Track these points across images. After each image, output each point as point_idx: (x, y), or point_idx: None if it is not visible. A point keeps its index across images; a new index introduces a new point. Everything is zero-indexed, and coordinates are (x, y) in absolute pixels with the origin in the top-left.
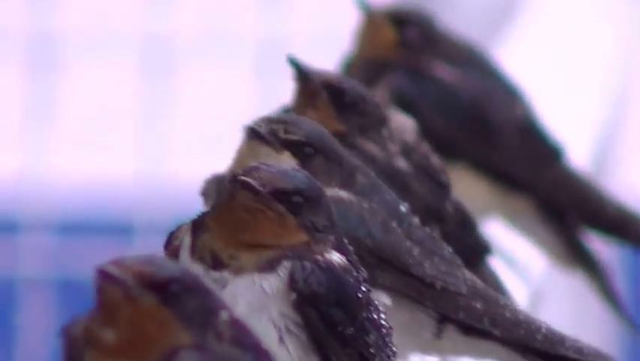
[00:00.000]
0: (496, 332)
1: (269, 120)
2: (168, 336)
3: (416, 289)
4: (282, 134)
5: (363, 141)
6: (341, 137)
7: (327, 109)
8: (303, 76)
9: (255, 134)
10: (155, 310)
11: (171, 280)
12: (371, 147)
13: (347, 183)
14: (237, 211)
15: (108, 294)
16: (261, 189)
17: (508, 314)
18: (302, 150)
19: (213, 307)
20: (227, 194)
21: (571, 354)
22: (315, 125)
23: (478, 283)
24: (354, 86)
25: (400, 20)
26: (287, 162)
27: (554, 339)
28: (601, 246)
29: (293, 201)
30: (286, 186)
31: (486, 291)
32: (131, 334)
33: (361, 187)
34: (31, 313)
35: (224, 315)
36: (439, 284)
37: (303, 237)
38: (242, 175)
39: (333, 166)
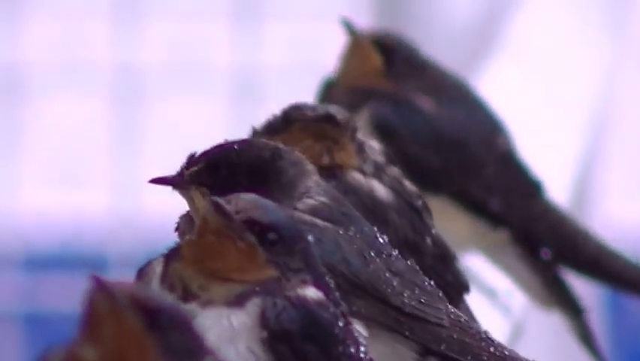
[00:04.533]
0: None
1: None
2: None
3: (394, 319)
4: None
5: (347, 171)
6: (329, 169)
7: (350, 147)
8: (332, 121)
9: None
10: (138, 335)
11: (163, 310)
12: (354, 177)
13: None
14: (208, 237)
15: (96, 306)
16: (233, 215)
17: (492, 349)
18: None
19: (198, 348)
20: (201, 218)
21: None
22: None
23: (462, 316)
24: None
25: (387, 47)
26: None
27: None
28: (580, 284)
29: (266, 237)
30: (262, 219)
31: (469, 325)
32: (110, 355)
33: (332, 214)
34: (1, 349)
35: (209, 358)
36: (419, 315)
37: (272, 273)
38: (218, 201)
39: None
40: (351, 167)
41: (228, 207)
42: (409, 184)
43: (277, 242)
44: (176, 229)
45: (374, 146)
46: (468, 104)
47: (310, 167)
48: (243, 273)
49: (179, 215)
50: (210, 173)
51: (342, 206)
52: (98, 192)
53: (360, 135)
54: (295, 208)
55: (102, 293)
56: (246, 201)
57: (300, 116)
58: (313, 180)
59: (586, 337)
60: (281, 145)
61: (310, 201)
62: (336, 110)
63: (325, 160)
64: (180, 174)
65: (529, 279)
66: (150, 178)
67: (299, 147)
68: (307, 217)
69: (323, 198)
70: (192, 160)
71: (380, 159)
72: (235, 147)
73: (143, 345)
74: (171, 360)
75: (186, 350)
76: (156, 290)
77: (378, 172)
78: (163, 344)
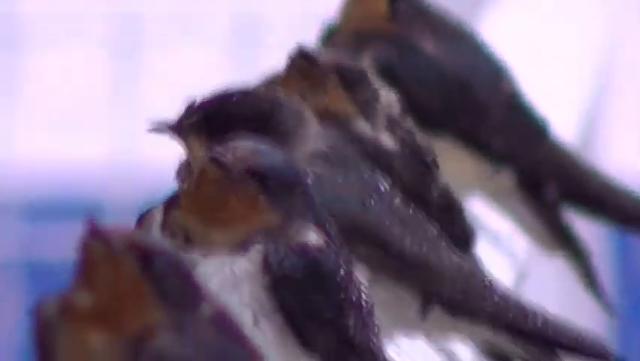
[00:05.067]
0: (484, 313)
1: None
2: (144, 312)
3: (395, 265)
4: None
5: (355, 121)
6: (338, 119)
7: (337, 91)
8: (311, 59)
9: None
10: (134, 278)
11: (158, 254)
12: (361, 127)
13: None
14: (208, 188)
15: (90, 251)
16: (233, 166)
17: (496, 296)
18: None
19: (196, 293)
20: (200, 169)
21: (563, 338)
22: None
23: (465, 263)
24: (356, 65)
25: None
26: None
27: (546, 323)
28: (585, 227)
29: (267, 183)
30: (261, 167)
31: (473, 271)
32: (106, 299)
33: (332, 160)
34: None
35: (206, 303)
36: (421, 260)
37: (275, 219)
38: (216, 151)
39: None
40: (342, 111)
41: (227, 158)
42: (421, 138)
43: (278, 187)
44: (177, 175)
45: (390, 99)
46: (471, 48)
47: (310, 115)
48: (245, 221)
49: (179, 161)
50: (209, 122)
51: (342, 153)
52: (98, 141)
53: (374, 86)
54: (294, 156)
55: (97, 238)
56: (243, 149)
57: (299, 60)
58: (313, 128)
59: (591, 281)
60: (280, 94)
61: (309, 149)
62: (334, 55)
63: (311, 102)
64: (179, 122)
65: (533, 221)
66: (149, 127)
67: (289, 84)
68: (307, 163)
69: (322, 146)
70: (191, 109)
71: (396, 111)
72: (234, 97)
73: (139, 291)
74: (169, 304)
75: (184, 294)
76: (153, 236)
77: (391, 125)
78: (160, 287)
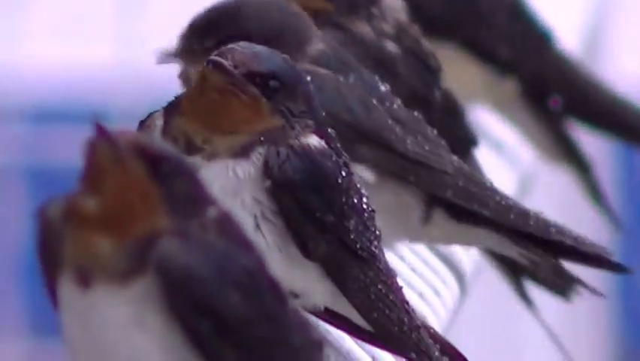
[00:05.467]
0: (486, 214)
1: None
2: (150, 216)
3: (399, 166)
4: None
5: (351, 21)
6: (326, 15)
7: None
8: None
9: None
10: (141, 182)
11: (167, 159)
12: (360, 27)
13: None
14: (210, 93)
15: (97, 154)
16: (233, 70)
17: (497, 198)
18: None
19: (202, 198)
20: (200, 75)
21: (565, 240)
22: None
23: (465, 166)
24: None
25: None
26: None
27: (547, 225)
28: (590, 140)
29: (268, 85)
30: (261, 69)
31: (473, 174)
32: (112, 203)
33: (331, 63)
34: (5, 202)
35: (212, 207)
36: (422, 160)
37: (277, 121)
38: (215, 56)
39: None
40: (320, 9)
41: (227, 63)
42: (426, 44)
43: (279, 89)
44: (180, 75)
45: (396, 5)
46: None
47: (308, 17)
48: (247, 125)
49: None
50: (211, 34)
51: (341, 55)
52: (102, 45)
53: None
54: (294, 57)
55: (104, 141)
56: (242, 53)
57: None
58: (312, 30)
59: (594, 193)
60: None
61: (309, 50)
62: None
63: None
64: (186, 49)
65: (537, 132)
66: (157, 60)
67: None
68: (307, 65)
69: (322, 47)
70: (195, 28)
71: (403, 17)
72: (238, 8)
73: (146, 194)
74: (175, 209)
75: (190, 199)
76: (159, 140)
77: (398, 31)
78: (166, 192)
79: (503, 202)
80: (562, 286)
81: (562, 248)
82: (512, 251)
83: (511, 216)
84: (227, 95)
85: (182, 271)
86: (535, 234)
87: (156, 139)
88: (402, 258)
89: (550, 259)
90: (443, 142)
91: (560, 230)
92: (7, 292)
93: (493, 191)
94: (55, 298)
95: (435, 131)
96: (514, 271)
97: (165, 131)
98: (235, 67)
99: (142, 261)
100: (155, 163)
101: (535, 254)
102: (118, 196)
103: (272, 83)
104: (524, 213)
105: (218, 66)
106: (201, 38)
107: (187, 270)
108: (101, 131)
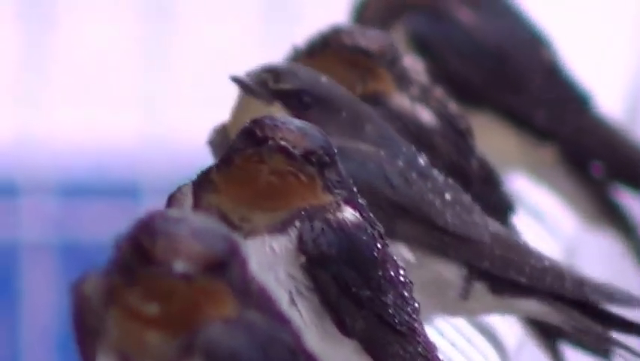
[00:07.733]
0: (523, 280)
1: (260, 70)
2: (216, 308)
3: (438, 239)
4: (271, 84)
5: (394, 96)
6: (372, 96)
7: (385, 75)
8: (365, 52)
9: (240, 85)
10: (209, 287)
11: (225, 254)
12: (396, 97)
13: (351, 133)
14: (266, 176)
15: (162, 280)
16: (295, 152)
17: (533, 261)
18: (296, 99)
19: (249, 276)
20: (253, 156)
21: (601, 299)
22: (310, 72)
23: (502, 231)
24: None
25: None
26: (278, 113)
27: (583, 284)
28: (635, 202)
29: (321, 162)
30: (314, 147)
31: (510, 238)
32: (177, 315)
33: (371, 138)
34: (34, 278)
35: (254, 283)
36: (462, 233)
37: (328, 198)
38: (270, 137)
39: (333, 115)
40: (387, 91)
41: (289, 146)
42: (453, 106)
43: (329, 164)
44: (210, 142)
45: (417, 68)
46: (508, 16)
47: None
48: (303, 202)
49: (213, 129)
50: (294, 97)
51: (383, 129)
52: (130, 115)
53: (403, 61)
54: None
55: (178, 277)
56: (290, 131)
57: (337, 42)
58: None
59: None
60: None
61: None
62: (375, 36)
63: (359, 89)
64: (263, 86)
65: (579, 198)
66: (233, 76)
67: (335, 71)
68: (350, 141)
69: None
70: (275, 76)
71: (425, 79)
72: (323, 81)
73: (214, 295)
74: (238, 294)
75: (243, 277)
76: (219, 230)
77: (424, 94)
78: (230, 282)
79: (538, 266)
80: (604, 350)
81: (601, 313)
82: (554, 317)
83: (548, 278)
84: (288, 177)
85: (227, 355)
86: (571, 296)
87: (219, 227)
88: (441, 333)
89: (591, 324)
90: (477, 207)
91: (598, 288)
92: None
93: (529, 254)
94: None
95: (469, 196)
96: (554, 340)
97: (197, 206)
98: (294, 147)
99: (189, 347)
100: (220, 265)
101: (573, 319)
102: (184, 311)
103: (325, 159)
104: (561, 274)
105: (281, 149)
106: (277, 79)
107: (233, 354)
108: (167, 272)
